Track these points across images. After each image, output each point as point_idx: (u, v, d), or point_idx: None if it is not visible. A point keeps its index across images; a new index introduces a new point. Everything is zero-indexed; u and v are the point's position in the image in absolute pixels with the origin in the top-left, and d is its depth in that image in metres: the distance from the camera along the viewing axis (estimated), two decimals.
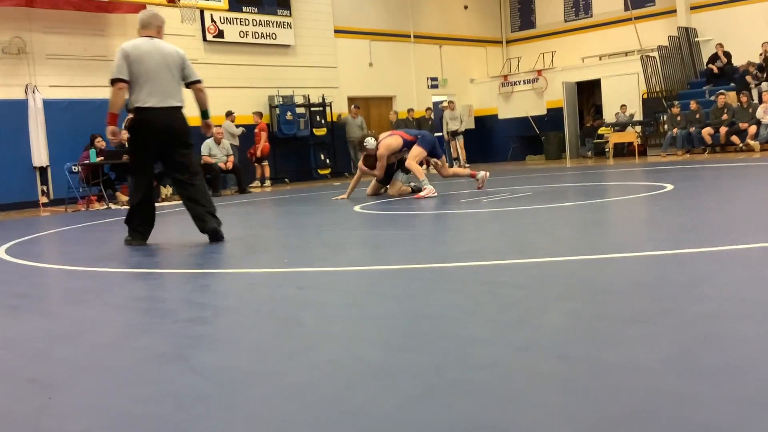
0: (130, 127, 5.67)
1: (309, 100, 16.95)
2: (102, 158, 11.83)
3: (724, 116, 15.19)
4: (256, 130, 15.30)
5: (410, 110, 18.39)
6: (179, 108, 5.63)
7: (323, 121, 17.16)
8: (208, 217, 5.54)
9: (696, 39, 18.31)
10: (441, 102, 19.29)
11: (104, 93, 12.28)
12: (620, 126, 17.39)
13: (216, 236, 5.55)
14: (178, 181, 5.70)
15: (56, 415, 1.91)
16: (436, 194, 8.73)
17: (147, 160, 5.70)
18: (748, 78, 16.09)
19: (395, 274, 3.70)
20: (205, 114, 5.86)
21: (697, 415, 1.58)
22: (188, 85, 5.71)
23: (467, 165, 18.10)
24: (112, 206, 11.69)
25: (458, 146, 18.25)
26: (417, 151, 9.11)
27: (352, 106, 17.77)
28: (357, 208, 7.88)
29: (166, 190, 12.83)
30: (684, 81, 18.09)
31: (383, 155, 9.21)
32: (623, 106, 17.83)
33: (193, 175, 5.66)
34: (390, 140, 9.25)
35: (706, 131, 15.31)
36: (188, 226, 7.26)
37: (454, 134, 18.19)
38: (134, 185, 5.84)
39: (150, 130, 5.54)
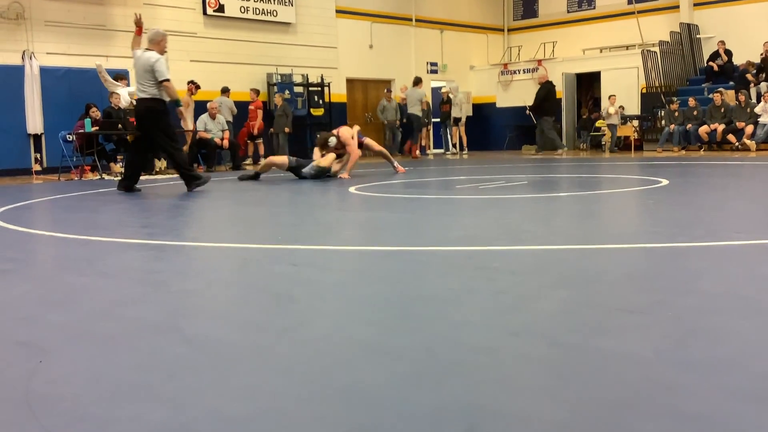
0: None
1: (308, 79, 16.86)
2: (97, 128, 11.76)
3: (712, 119, 15.21)
4: (252, 107, 15.21)
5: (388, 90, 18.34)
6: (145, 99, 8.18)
7: (321, 102, 17.09)
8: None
9: (698, 36, 18.27)
10: (441, 88, 19.22)
11: (101, 63, 12.18)
12: (621, 119, 17.37)
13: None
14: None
15: (47, 379, 1.90)
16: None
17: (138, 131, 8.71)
18: (749, 76, 16.07)
19: (389, 256, 3.70)
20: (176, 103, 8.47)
21: (687, 405, 1.59)
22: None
23: (465, 153, 18.11)
24: (105, 176, 11.64)
25: (460, 133, 18.28)
26: (369, 141, 10.75)
27: (385, 90, 18.03)
28: (352, 189, 7.87)
29: (160, 163, 12.77)
30: (683, 77, 18.07)
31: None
32: (612, 97, 17.52)
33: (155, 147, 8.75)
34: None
35: (703, 129, 15.32)
36: (183, 199, 7.24)
37: (455, 121, 18.18)
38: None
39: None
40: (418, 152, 17.13)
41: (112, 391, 1.79)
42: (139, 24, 8.34)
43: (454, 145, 18.36)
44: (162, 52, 8.18)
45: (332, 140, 9.84)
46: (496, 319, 2.37)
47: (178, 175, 8.76)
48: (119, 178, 11.43)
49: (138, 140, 8.55)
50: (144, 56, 8.06)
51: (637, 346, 2.00)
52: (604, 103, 18.67)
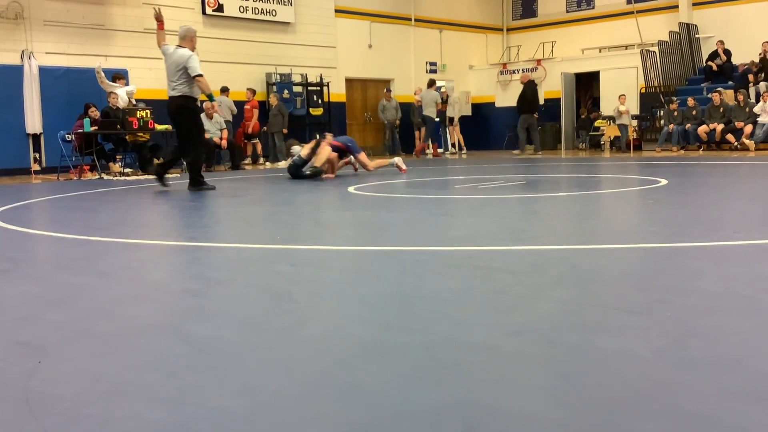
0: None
1: (307, 79, 16.85)
2: (96, 128, 11.75)
3: (711, 119, 15.21)
4: (248, 107, 15.22)
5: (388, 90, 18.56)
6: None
7: (320, 101, 17.07)
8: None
9: (697, 35, 18.28)
10: (440, 87, 19.25)
11: (100, 62, 12.15)
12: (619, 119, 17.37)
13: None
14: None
15: (46, 378, 1.90)
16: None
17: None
18: (751, 77, 16.06)
19: (388, 255, 3.70)
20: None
21: (686, 404, 1.59)
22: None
23: (464, 153, 18.12)
24: (105, 176, 11.64)
25: (455, 132, 18.33)
26: (362, 157, 10.34)
27: (385, 89, 18.26)
28: (351, 189, 7.87)
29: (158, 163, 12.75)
30: (682, 77, 18.07)
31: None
32: (622, 96, 17.57)
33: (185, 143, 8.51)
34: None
35: (702, 128, 15.33)
36: (182, 199, 7.24)
37: (450, 121, 18.24)
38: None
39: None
40: (424, 151, 17.31)
41: (111, 391, 1.79)
42: (159, 18, 8.28)
43: (453, 145, 18.37)
44: (193, 48, 8.22)
45: (295, 149, 9.86)
46: (496, 318, 2.37)
47: (169, 174, 9.04)
48: (118, 177, 11.45)
49: (180, 138, 8.56)
50: (176, 53, 8.09)
51: (637, 346, 2.00)
52: (605, 102, 18.68)
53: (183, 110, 8.22)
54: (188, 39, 8.24)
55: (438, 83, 20.02)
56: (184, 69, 8.04)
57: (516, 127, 18.62)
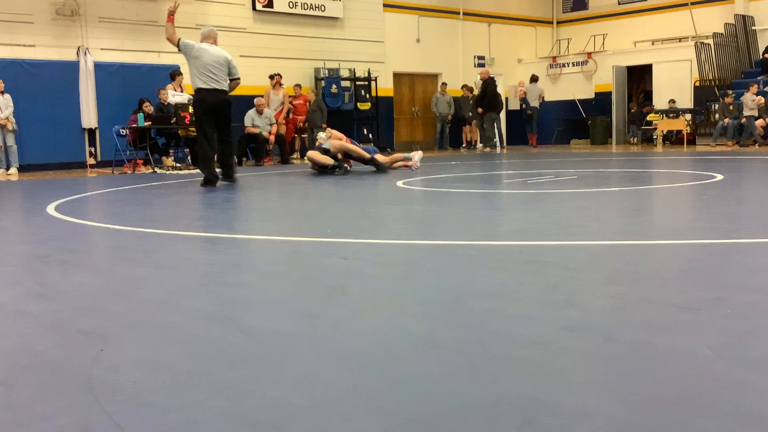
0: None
1: (355, 73, 16.91)
2: (150, 123, 11.97)
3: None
4: (300, 101, 15.33)
5: (464, 86, 18.80)
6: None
7: (368, 96, 17.12)
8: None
9: (753, 27, 17.82)
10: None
11: (154, 58, 12.42)
12: (673, 113, 17.05)
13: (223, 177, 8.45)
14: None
15: (108, 366, 1.96)
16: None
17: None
18: None
19: (439, 250, 3.70)
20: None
21: (747, 402, 1.56)
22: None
23: (503, 146, 18.02)
24: (158, 170, 11.85)
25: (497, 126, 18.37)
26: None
27: (441, 83, 18.58)
28: (400, 183, 7.88)
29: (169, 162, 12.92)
30: (738, 70, 17.64)
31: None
32: (672, 101, 17.47)
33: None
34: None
35: (759, 122, 14.95)
36: (233, 193, 7.33)
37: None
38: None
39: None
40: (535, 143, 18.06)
41: (172, 379, 1.83)
42: (173, 12, 8.15)
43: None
44: None
45: (321, 135, 10.28)
46: (550, 313, 2.35)
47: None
48: (170, 171, 11.65)
49: (221, 132, 8.42)
50: (216, 50, 8.22)
51: (696, 343, 1.97)
52: (657, 96, 18.33)
53: (229, 105, 8.38)
54: (215, 38, 8.43)
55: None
56: (227, 66, 8.22)
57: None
